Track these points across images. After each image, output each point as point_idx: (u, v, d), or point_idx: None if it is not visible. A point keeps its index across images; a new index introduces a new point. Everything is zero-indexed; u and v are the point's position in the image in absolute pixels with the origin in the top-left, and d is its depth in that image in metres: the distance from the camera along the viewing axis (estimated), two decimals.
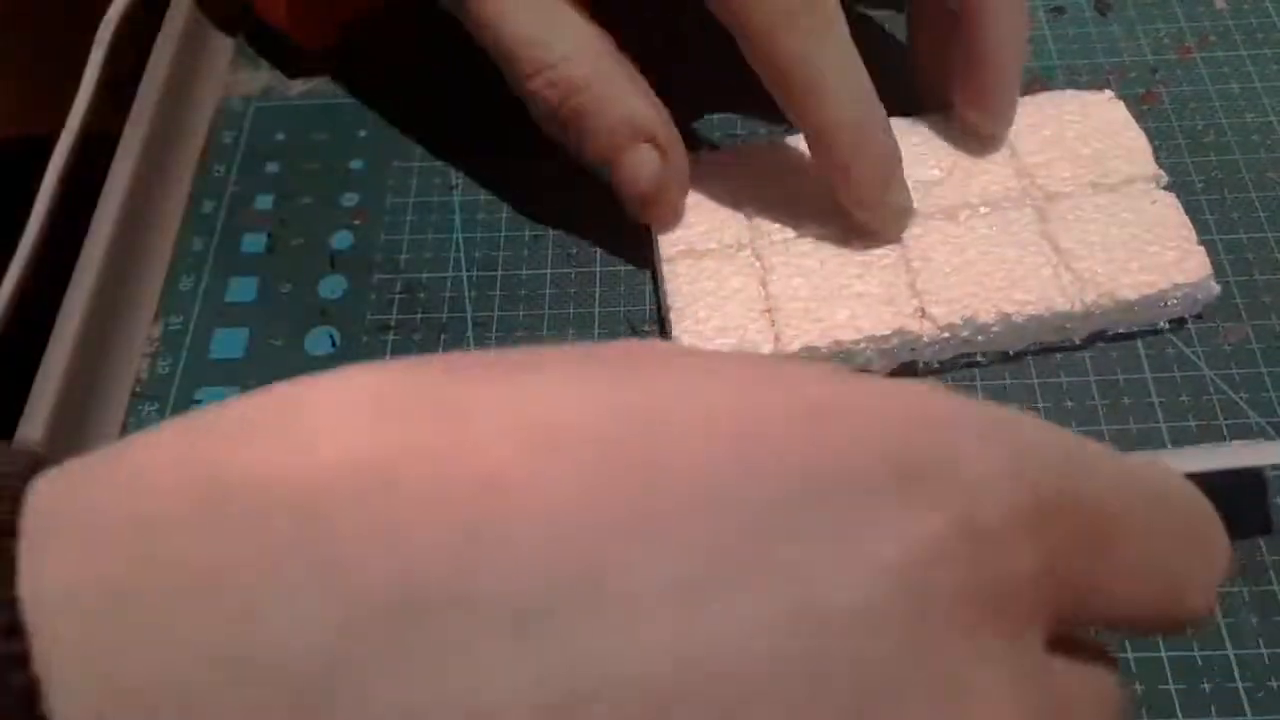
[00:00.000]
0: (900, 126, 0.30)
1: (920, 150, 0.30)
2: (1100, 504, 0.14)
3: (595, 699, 0.11)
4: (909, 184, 0.28)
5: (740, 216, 0.29)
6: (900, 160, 0.27)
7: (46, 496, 0.12)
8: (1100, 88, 0.31)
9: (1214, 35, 0.34)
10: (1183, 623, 0.15)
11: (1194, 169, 0.31)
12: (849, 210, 0.28)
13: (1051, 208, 0.29)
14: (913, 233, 0.28)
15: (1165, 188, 0.29)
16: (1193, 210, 0.30)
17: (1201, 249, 0.27)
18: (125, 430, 0.28)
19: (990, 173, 0.29)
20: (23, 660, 0.10)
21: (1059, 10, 0.35)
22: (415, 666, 0.11)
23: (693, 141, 0.31)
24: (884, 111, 0.27)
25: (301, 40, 0.35)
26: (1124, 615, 0.15)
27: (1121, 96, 0.32)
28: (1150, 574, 0.14)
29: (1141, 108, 0.32)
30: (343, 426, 0.12)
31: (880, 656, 0.11)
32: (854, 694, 0.11)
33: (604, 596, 0.11)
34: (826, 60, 0.26)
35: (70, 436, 0.28)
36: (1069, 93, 0.31)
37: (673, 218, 0.28)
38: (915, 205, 0.28)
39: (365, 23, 0.35)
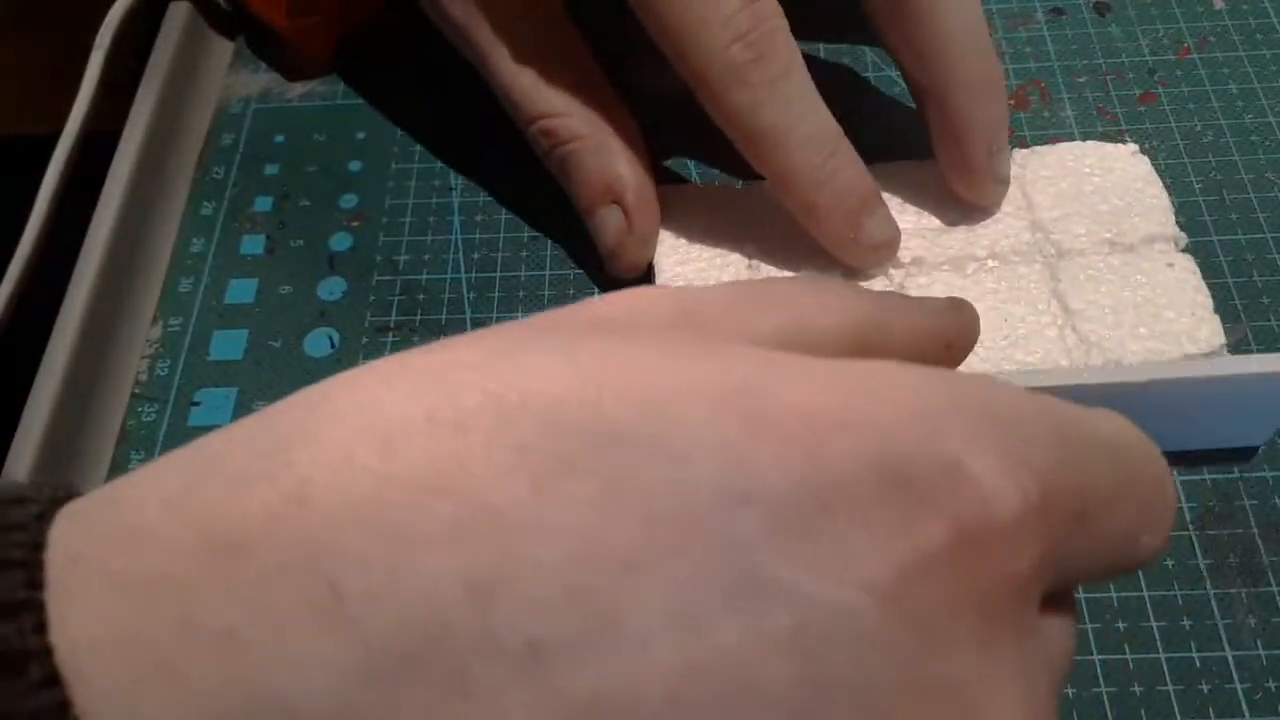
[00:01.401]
0: (912, 170, 0.29)
1: (931, 197, 0.29)
2: (1088, 485, 0.14)
3: None
4: (919, 230, 0.28)
5: (741, 254, 0.28)
6: (873, 195, 0.27)
7: (64, 544, 0.12)
8: (1100, 91, 0.31)
9: (1212, 36, 0.34)
10: (1138, 568, 0.16)
11: (1192, 170, 0.31)
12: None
13: (1063, 265, 0.27)
14: (917, 282, 0.28)
15: (1185, 249, 0.28)
16: (1190, 211, 0.30)
17: (1216, 318, 0.26)
18: (125, 432, 0.28)
19: (1002, 224, 0.28)
20: (63, 708, 0.11)
21: (1058, 11, 0.35)
22: (429, 707, 0.11)
23: (706, 173, 0.31)
24: (848, 148, 0.27)
25: (301, 46, 0.35)
26: (1091, 574, 0.15)
27: (1119, 97, 0.32)
28: (1118, 535, 0.15)
29: (1139, 109, 0.32)
30: (343, 464, 0.12)
31: (881, 675, 0.12)
32: (856, 712, 0.11)
33: (611, 629, 0.11)
34: (778, 110, 0.25)
35: (70, 438, 0.28)
36: (1091, 144, 0.30)
37: (634, 271, 0.29)
38: (922, 254, 0.28)
39: (364, 26, 0.35)
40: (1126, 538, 0.15)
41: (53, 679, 0.11)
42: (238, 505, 0.12)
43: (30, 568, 0.11)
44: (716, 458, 0.12)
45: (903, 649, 0.12)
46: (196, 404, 0.28)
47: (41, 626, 0.11)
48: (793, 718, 0.11)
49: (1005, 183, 0.28)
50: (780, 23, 0.25)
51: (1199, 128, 0.32)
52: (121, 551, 0.12)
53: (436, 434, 0.12)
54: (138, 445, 0.28)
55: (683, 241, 0.29)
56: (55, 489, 0.13)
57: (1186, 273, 0.27)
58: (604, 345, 0.14)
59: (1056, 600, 0.15)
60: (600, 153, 0.28)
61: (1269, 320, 0.28)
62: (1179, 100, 0.33)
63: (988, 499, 0.12)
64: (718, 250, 0.29)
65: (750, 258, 0.28)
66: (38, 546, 0.12)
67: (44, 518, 0.12)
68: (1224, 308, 0.28)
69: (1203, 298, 0.27)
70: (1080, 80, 0.33)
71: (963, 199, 0.28)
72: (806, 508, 0.12)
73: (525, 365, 0.13)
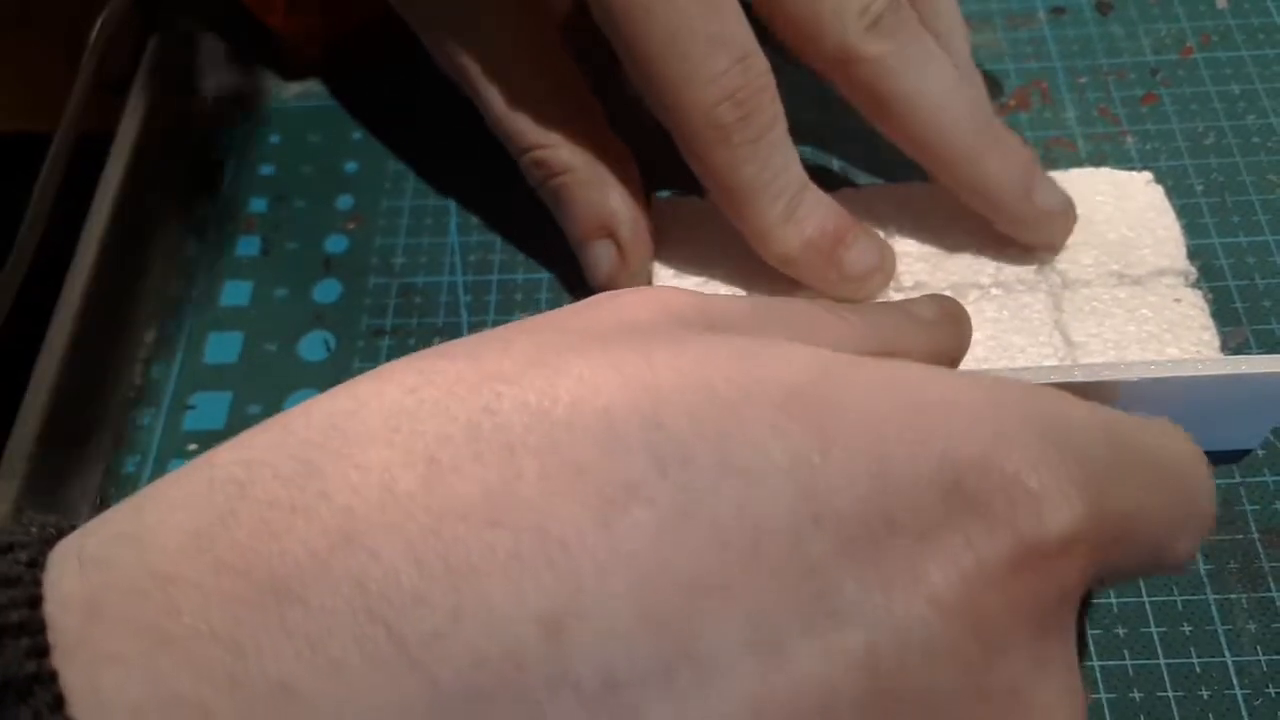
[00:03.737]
0: (921, 191, 0.29)
1: (939, 219, 0.28)
2: (1135, 499, 0.14)
3: None
4: (923, 254, 0.27)
5: (738, 270, 0.28)
6: (848, 230, 0.26)
7: (76, 595, 0.11)
8: (1102, 91, 0.30)
9: (1215, 35, 0.34)
10: (1173, 573, 0.16)
11: (1194, 171, 0.31)
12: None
13: (1068, 296, 0.27)
14: None
15: (1193, 284, 0.27)
16: (1192, 213, 0.30)
17: (1221, 357, 0.25)
18: (119, 436, 0.28)
19: (1009, 252, 0.28)
20: None
21: (1059, 10, 0.35)
22: None
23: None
24: (814, 193, 0.26)
25: (297, 45, 0.35)
26: (1128, 577, 0.16)
27: (1121, 98, 0.32)
28: (1157, 543, 0.15)
29: (1141, 109, 0.32)
30: (385, 493, 0.11)
31: (948, 684, 0.12)
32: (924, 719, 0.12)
33: (688, 657, 0.11)
34: (754, 169, 0.25)
35: (64, 442, 0.28)
36: (1104, 171, 0.29)
37: None
38: (925, 278, 0.27)
39: (360, 25, 0.35)
40: (1164, 545, 0.15)
41: None
42: (275, 544, 0.11)
43: (33, 631, 0.10)
44: (786, 479, 0.12)
45: (968, 658, 0.12)
46: (191, 408, 0.28)
47: (59, 701, 0.10)
48: None
49: (1062, 211, 0.27)
50: (768, 80, 0.25)
51: (1201, 128, 0.32)
52: (152, 602, 0.11)
53: (483, 456, 0.12)
54: (133, 449, 0.28)
55: (679, 256, 0.28)
56: (43, 525, 0.12)
57: (1194, 309, 0.27)
58: (646, 350, 0.13)
59: None
60: (593, 186, 0.28)
61: (1270, 323, 0.28)
62: (1181, 100, 0.32)
63: (1044, 515, 0.13)
64: (713, 266, 0.28)
65: (746, 274, 0.28)
66: (35, 602, 0.11)
67: (37, 564, 0.11)
68: (1225, 310, 0.28)
69: (1209, 335, 0.26)
70: (1082, 80, 0.33)
71: (1030, 246, 0.28)
72: (875, 526, 0.12)
73: (564, 374, 0.13)
